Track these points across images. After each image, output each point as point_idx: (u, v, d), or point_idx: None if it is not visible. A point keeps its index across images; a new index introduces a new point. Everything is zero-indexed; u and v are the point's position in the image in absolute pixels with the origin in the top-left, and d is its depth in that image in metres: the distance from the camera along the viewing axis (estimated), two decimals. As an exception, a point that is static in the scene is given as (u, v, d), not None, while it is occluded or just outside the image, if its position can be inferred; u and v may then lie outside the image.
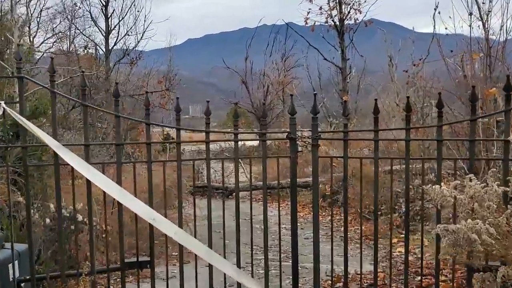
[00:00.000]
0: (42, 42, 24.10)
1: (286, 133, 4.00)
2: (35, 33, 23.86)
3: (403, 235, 5.31)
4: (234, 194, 11.16)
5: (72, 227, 4.59)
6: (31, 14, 23.75)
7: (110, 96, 15.77)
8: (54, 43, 22.41)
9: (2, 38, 8.88)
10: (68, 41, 19.50)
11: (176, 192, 5.81)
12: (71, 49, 18.75)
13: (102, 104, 15.82)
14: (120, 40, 15.97)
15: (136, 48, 16.72)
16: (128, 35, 16.10)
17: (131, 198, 3.56)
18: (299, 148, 4.26)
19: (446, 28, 10.08)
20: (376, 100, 3.95)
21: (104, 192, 3.59)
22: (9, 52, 8.88)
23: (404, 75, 17.36)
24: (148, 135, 3.81)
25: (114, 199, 4.08)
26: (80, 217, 4.91)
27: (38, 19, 23.48)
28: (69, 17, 18.35)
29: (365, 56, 15.97)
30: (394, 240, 5.54)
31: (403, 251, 4.01)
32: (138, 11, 16.09)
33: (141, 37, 16.23)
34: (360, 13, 10.84)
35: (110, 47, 15.94)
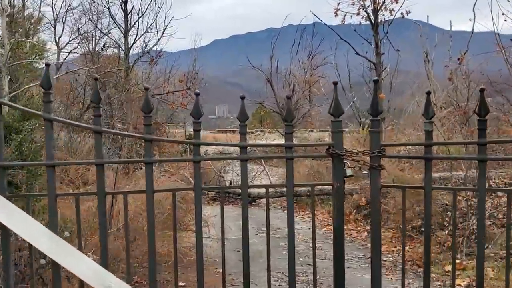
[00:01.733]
0: (68, 43, 23.89)
1: (327, 146, 2.60)
2: (60, 34, 23.73)
3: (458, 260, 4.33)
4: (257, 201, 10.31)
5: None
6: (57, 15, 23.62)
7: (130, 95, 15.21)
8: (79, 44, 22.14)
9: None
10: (93, 42, 19.16)
11: (185, 205, 5.04)
12: (96, 50, 18.42)
13: (122, 104, 15.25)
14: (139, 38, 15.31)
15: (160, 48, 16.07)
16: (148, 32, 15.42)
17: (71, 253, 2.27)
18: (348, 172, 2.73)
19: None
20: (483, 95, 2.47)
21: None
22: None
23: (441, 72, 16.23)
24: (148, 152, 2.81)
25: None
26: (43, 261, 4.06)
27: (63, 20, 23.32)
28: (94, 17, 17.98)
29: (400, 52, 14.92)
30: (449, 267, 4.57)
31: (464, 284, 3.03)
32: (158, 7, 15.35)
33: (162, 34, 15.53)
34: (397, 2, 9.80)
35: (129, 45, 15.29)
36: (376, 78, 2.94)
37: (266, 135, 26.28)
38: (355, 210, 7.65)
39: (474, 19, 14.87)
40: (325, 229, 7.47)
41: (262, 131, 28.49)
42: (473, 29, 15.15)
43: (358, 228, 7.15)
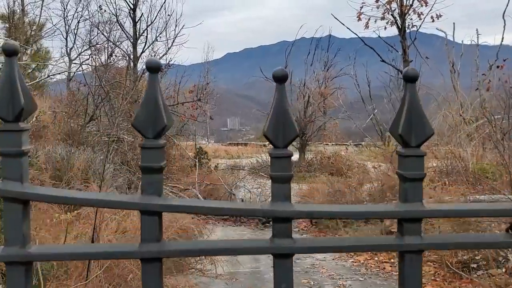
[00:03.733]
0: (79, 54, 23.46)
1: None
2: (72, 45, 23.34)
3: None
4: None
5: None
6: (69, 26, 23.24)
7: (138, 105, 14.49)
8: (91, 55, 21.70)
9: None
10: (105, 53, 18.68)
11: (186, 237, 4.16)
12: (109, 61, 17.94)
13: (129, 116, 14.55)
14: (148, 47, 14.62)
15: (170, 58, 15.42)
16: (157, 40, 14.72)
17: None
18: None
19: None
20: None
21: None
22: None
23: (468, 84, 15.26)
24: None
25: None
26: None
27: (75, 31, 22.93)
28: (106, 28, 17.50)
29: (423, 63, 14.01)
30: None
31: None
32: (168, 15, 14.59)
33: (172, 43, 14.81)
34: (426, 5, 8.91)
35: (138, 55, 14.60)
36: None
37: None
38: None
39: (504, 26, 13.99)
40: (352, 260, 6.50)
41: (275, 144, 27.59)
42: (503, 37, 14.25)
43: (392, 260, 6.20)
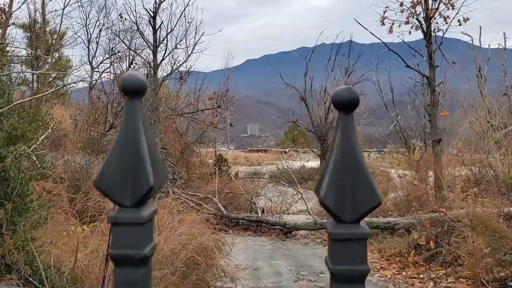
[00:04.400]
0: (101, 62, 23.64)
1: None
2: (94, 53, 23.57)
3: None
4: (293, 232, 9.16)
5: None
6: (90, 35, 23.48)
7: (158, 114, 14.44)
8: (113, 63, 21.84)
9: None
10: (127, 61, 18.75)
11: (205, 262, 3.88)
12: (131, 68, 18.01)
13: (150, 124, 14.53)
14: (168, 54, 14.55)
15: (190, 65, 15.31)
16: (177, 48, 14.64)
17: None
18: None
19: None
20: None
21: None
22: None
23: (495, 89, 14.79)
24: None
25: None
26: None
27: (97, 39, 23.14)
28: (128, 37, 17.58)
29: (447, 69, 13.60)
30: None
31: None
32: (188, 22, 14.50)
33: (192, 50, 14.71)
34: (453, 8, 8.60)
35: (158, 62, 14.54)
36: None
37: (300, 155, 25.18)
38: (414, 251, 6.39)
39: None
40: (379, 275, 6.20)
41: (295, 151, 27.44)
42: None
43: (421, 276, 5.87)
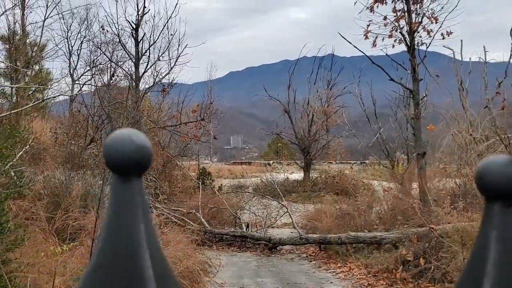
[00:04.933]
0: (82, 74, 23.34)
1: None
2: (75, 65, 23.25)
3: None
4: (278, 247, 9.03)
5: None
6: (72, 47, 23.18)
7: (140, 127, 14.24)
8: (94, 75, 21.57)
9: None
10: (108, 73, 18.55)
11: (190, 286, 3.72)
12: (111, 81, 17.83)
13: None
14: (151, 66, 14.42)
15: (173, 77, 15.18)
16: (160, 60, 14.51)
17: None
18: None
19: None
20: None
21: None
22: None
23: (476, 102, 14.97)
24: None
25: None
26: None
27: (78, 52, 22.86)
28: (109, 49, 17.42)
29: (428, 82, 13.72)
30: None
31: None
32: (171, 34, 14.40)
33: (175, 63, 14.61)
34: (436, 22, 8.67)
35: (140, 74, 14.40)
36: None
37: (284, 167, 25.13)
38: (401, 267, 6.31)
39: (512, 44, 13.74)
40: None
41: (279, 163, 27.40)
42: (511, 54, 13.98)
43: (408, 292, 5.80)
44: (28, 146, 5.02)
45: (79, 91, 21.49)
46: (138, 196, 0.41)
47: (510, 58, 13.85)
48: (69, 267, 4.08)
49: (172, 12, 14.26)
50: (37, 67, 14.29)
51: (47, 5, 19.16)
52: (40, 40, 16.36)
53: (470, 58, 14.91)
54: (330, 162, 25.22)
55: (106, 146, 0.41)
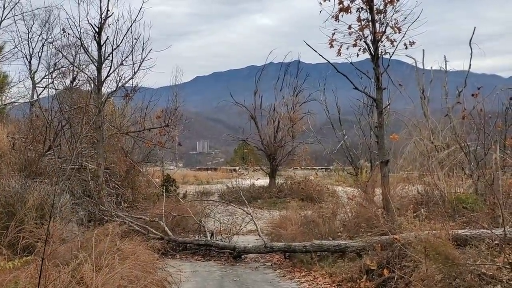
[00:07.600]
0: (43, 78, 22.59)
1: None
2: (36, 68, 22.47)
3: None
4: (243, 256, 8.91)
5: None
6: (33, 49, 22.39)
7: (102, 132, 13.87)
8: (55, 78, 20.94)
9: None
10: (70, 77, 18.03)
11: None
12: (73, 85, 17.34)
13: (93, 143, 13.96)
14: (114, 71, 14.05)
15: (137, 82, 14.82)
16: (123, 64, 14.16)
17: None
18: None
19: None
20: None
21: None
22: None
23: (437, 109, 15.32)
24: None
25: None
26: None
27: (39, 54, 22.09)
28: (72, 52, 16.92)
29: (398, 88, 13.96)
30: None
31: None
32: (135, 38, 14.06)
33: (139, 68, 14.28)
34: (399, 32, 8.81)
35: (102, 79, 14.02)
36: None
37: (250, 173, 25.06)
38: (365, 276, 6.32)
39: (471, 54, 14.17)
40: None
41: (245, 169, 27.33)
42: (470, 64, 14.41)
43: (373, 302, 5.80)
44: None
45: (38, 95, 20.83)
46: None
47: (469, 68, 14.31)
48: (20, 285, 3.85)
49: (137, 16, 13.85)
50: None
51: (4, 6, 18.54)
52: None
53: (431, 67, 15.29)
54: (296, 168, 25.34)
55: None
